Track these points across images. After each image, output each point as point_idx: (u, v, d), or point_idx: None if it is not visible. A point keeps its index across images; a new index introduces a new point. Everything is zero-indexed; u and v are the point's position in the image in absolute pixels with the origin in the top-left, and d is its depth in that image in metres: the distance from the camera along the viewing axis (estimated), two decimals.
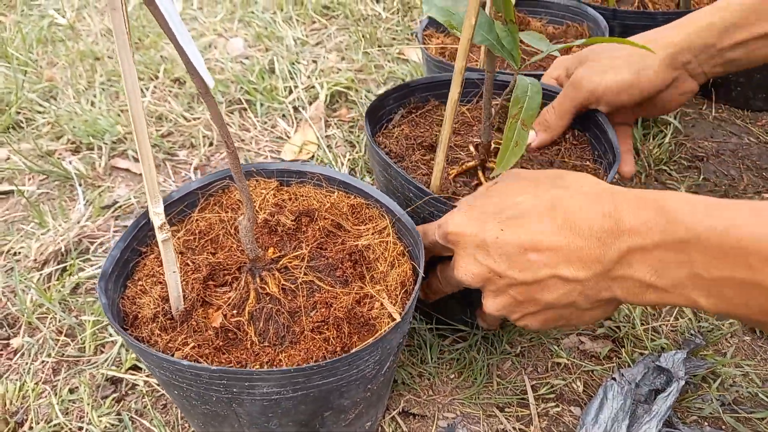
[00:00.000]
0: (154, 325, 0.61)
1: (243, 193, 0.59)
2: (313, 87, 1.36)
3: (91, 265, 0.94)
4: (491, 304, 0.59)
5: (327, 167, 0.76)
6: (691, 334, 0.80)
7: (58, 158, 1.16)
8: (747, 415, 0.72)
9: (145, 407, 0.76)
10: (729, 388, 0.74)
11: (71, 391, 0.78)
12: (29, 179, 1.13)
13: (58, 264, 0.94)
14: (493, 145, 0.78)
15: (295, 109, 1.30)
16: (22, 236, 0.99)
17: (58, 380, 0.80)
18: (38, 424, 0.74)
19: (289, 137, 1.24)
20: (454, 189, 0.75)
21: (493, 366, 0.78)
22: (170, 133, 1.25)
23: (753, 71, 1.19)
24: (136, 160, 1.18)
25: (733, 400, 0.73)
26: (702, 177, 1.10)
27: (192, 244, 0.70)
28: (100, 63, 1.47)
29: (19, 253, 0.97)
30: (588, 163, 0.80)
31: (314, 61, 1.47)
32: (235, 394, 0.54)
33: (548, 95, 0.84)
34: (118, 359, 0.81)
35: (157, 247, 0.70)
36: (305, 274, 0.65)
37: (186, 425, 0.74)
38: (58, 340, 0.84)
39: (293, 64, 1.44)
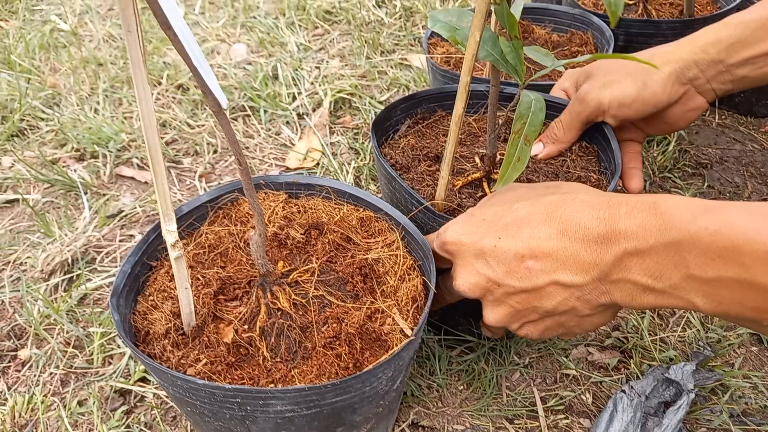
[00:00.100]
0: (167, 341, 0.61)
1: (255, 209, 0.59)
2: (317, 93, 1.36)
3: (98, 275, 0.94)
4: (491, 315, 0.59)
5: (337, 181, 0.76)
6: (700, 346, 0.80)
7: (62, 166, 1.16)
8: (756, 427, 0.72)
9: (154, 419, 0.76)
10: (738, 400, 0.75)
11: (80, 403, 0.78)
12: (34, 188, 1.13)
13: (65, 274, 0.94)
14: (498, 157, 0.78)
15: (299, 115, 1.31)
16: (28, 246, 0.99)
17: (67, 392, 0.80)
18: None
19: (293, 144, 1.24)
20: (459, 200, 0.75)
21: (502, 377, 0.79)
22: (174, 141, 1.25)
23: None
24: (141, 168, 1.18)
25: (742, 412, 0.73)
26: (706, 184, 1.10)
27: (202, 258, 0.70)
28: (103, 69, 1.47)
29: (26, 263, 0.97)
30: (593, 174, 0.80)
31: (317, 67, 1.47)
32: (249, 411, 0.54)
33: (557, 107, 0.84)
34: (126, 371, 0.81)
35: (167, 261, 0.70)
36: (316, 288, 0.65)
37: None
38: (66, 351, 0.84)
39: (296, 70, 1.44)
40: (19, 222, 1.05)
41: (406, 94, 1.33)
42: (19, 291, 0.92)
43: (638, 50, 0.85)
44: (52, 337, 0.85)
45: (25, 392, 0.80)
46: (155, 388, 0.79)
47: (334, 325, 0.61)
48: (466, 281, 0.59)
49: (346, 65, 1.49)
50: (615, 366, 0.79)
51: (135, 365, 0.81)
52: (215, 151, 1.23)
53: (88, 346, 0.84)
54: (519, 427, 0.73)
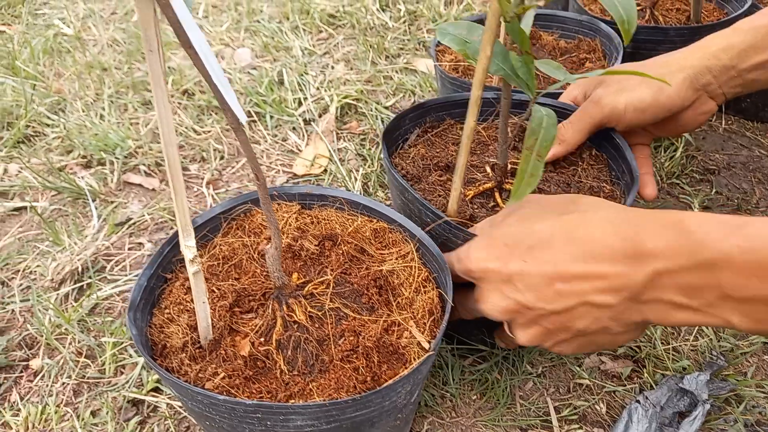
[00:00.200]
0: (184, 354, 0.61)
1: (271, 223, 0.59)
2: (323, 99, 1.36)
3: (108, 285, 0.94)
4: (522, 336, 0.59)
5: (350, 192, 0.76)
6: (713, 356, 0.80)
7: (70, 173, 1.16)
8: None
9: (167, 430, 0.76)
10: (752, 410, 0.75)
11: (93, 413, 0.78)
12: (41, 195, 1.12)
13: (75, 283, 0.94)
14: (509, 166, 0.78)
15: (306, 121, 1.31)
16: (37, 255, 0.99)
17: (80, 402, 0.80)
18: None
19: (300, 150, 1.24)
20: (471, 211, 0.75)
21: (515, 387, 0.79)
22: (180, 147, 1.25)
23: None
24: (148, 175, 1.18)
25: (756, 422, 0.74)
26: (714, 190, 1.10)
27: (216, 270, 0.70)
28: (108, 74, 1.46)
29: (35, 272, 0.96)
30: (605, 184, 0.80)
31: (322, 72, 1.47)
32: (269, 426, 0.54)
33: (566, 114, 0.84)
34: (139, 381, 0.81)
35: (182, 273, 0.70)
36: (331, 300, 0.65)
37: None
38: (78, 361, 0.84)
39: (302, 75, 1.44)
40: (28, 230, 1.05)
41: (415, 103, 1.34)
42: (29, 300, 0.92)
43: (646, 57, 0.85)
44: (64, 347, 0.85)
45: (37, 402, 0.80)
46: (168, 398, 0.79)
47: (351, 338, 0.61)
48: (495, 306, 0.59)
49: (351, 70, 1.49)
50: (628, 375, 0.79)
51: (148, 375, 0.81)
52: (222, 158, 1.23)
53: (100, 356, 0.84)
54: None
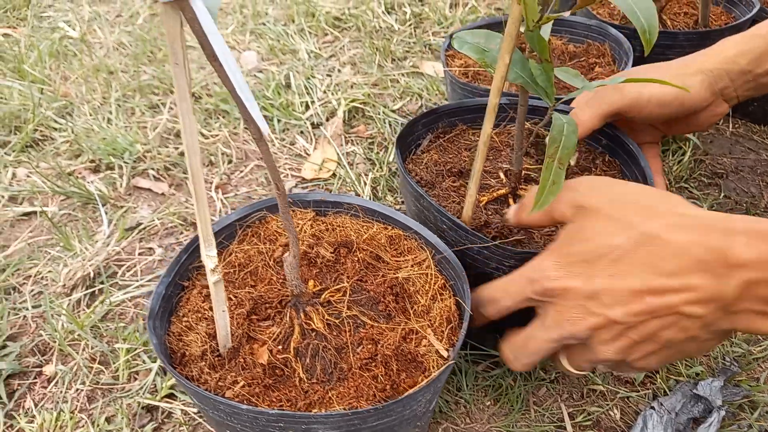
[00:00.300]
0: (203, 363, 0.61)
1: (290, 232, 0.59)
2: (330, 102, 1.36)
3: (120, 290, 0.94)
4: (607, 350, 0.57)
5: (365, 199, 0.76)
6: (726, 361, 0.80)
7: (78, 178, 1.16)
8: None
9: None
10: (765, 416, 0.75)
11: (108, 420, 0.78)
12: (51, 200, 1.13)
13: (87, 289, 0.94)
14: (523, 172, 0.78)
15: (313, 125, 1.31)
16: (48, 260, 0.99)
17: (94, 409, 0.80)
18: None
19: (308, 155, 1.24)
20: (485, 217, 0.76)
21: (529, 393, 0.79)
22: None
23: None
24: (157, 179, 1.18)
25: None
26: (723, 194, 1.11)
27: (232, 277, 0.70)
28: (114, 77, 1.46)
29: (47, 277, 0.97)
30: None
31: (329, 75, 1.47)
32: None
33: None
34: (153, 387, 0.82)
35: (198, 281, 0.70)
36: (348, 308, 0.66)
37: None
38: (92, 367, 0.84)
39: (308, 78, 1.44)
40: (38, 235, 1.05)
41: (422, 107, 1.35)
42: (41, 306, 0.92)
43: (655, 61, 0.85)
44: (77, 353, 0.85)
45: (52, 409, 0.80)
46: (183, 404, 0.79)
47: (369, 346, 0.62)
48: (578, 323, 0.57)
49: (358, 73, 1.49)
50: (641, 381, 0.80)
51: (162, 381, 0.82)
52: (230, 161, 1.23)
53: (114, 362, 0.84)
54: None
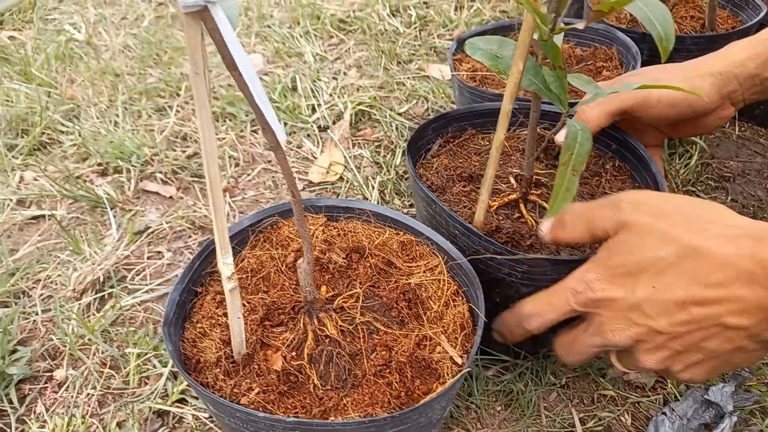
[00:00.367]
0: (218, 369, 0.61)
1: (304, 238, 0.59)
2: (336, 105, 1.36)
3: (129, 294, 0.95)
4: (649, 359, 0.57)
5: (377, 205, 0.76)
6: None
7: (86, 181, 1.16)
8: None
9: None
10: None
11: (119, 425, 0.79)
12: (59, 203, 1.13)
13: (96, 293, 0.94)
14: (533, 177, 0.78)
15: (320, 128, 1.31)
16: (58, 264, 0.99)
17: (105, 414, 0.80)
18: None
19: (315, 158, 1.24)
20: (496, 222, 0.76)
21: (539, 398, 0.79)
22: (196, 154, 1.25)
23: None
24: (165, 182, 1.18)
25: None
26: (730, 198, 1.11)
27: (245, 283, 0.70)
28: (120, 80, 1.47)
29: (56, 281, 0.97)
30: None
31: (335, 78, 1.47)
32: None
33: None
34: (164, 392, 0.82)
35: (211, 287, 0.71)
36: (362, 314, 0.66)
37: None
38: (103, 372, 0.84)
39: (315, 81, 1.44)
40: (47, 239, 1.05)
41: (434, 112, 1.35)
42: (51, 310, 0.92)
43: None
44: (88, 358, 0.86)
45: (63, 414, 0.80)
46: (194, 409, 0.80)
47: (383, 352, 0.62)
48: (622, 333, 0.57)
49: (363, 76, 1.49)
50: (652, 386, 0.80)
51: (173, 386, 0.82)
52: (237, 165, 1.23)
53: (124, 367, 0.84)
54: None
